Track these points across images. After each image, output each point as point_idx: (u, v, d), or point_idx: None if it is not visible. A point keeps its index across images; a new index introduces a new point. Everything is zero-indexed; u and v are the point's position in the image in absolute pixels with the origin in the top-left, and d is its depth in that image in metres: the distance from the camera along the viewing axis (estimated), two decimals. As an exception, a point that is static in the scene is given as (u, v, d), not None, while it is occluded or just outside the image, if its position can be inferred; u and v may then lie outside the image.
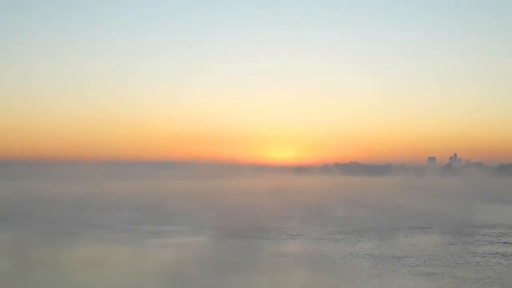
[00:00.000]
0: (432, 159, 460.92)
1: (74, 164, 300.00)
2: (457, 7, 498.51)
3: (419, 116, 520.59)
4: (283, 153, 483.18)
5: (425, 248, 63.64)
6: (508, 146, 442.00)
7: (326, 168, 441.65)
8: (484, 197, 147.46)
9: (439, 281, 47.38)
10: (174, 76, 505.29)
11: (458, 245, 66.22)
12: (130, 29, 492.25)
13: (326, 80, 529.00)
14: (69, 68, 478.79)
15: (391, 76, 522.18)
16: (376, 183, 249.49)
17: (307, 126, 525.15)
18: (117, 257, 57.41)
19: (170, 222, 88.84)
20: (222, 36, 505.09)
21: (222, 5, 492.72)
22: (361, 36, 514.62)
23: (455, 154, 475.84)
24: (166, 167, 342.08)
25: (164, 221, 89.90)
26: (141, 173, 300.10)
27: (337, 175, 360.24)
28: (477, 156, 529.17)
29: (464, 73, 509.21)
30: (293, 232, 78.11)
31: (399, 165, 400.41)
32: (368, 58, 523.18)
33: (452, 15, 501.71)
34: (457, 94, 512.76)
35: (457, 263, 54.81)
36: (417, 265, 53.37)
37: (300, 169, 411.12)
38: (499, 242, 69.88)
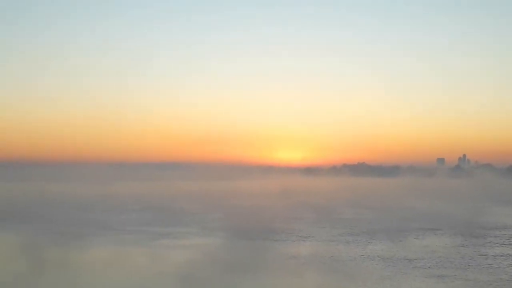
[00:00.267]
0: (441, 160, 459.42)
1: (81, 166, 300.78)
2: (464, 5, 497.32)
3: (427, 116, 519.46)
4: (291, 154, 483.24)
5: (436, 250, 63.04)
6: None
7: (334, 169, 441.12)
8: (494, 199, 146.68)
9: (451, 283, 46.79)
10: (179, 77, 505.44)
11: (469, 247, 65.61)
12: (133, 30, 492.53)
13: (333, 80, 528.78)
14: (72, 69, 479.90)
15: (400, 76, 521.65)
16: (385, 184, 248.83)
17: (315, 127, 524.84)
18: (127, 259, 57.04)
19: (178, 224, 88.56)
20: (227, 36, 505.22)
21: (225, 4, 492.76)
22: (367, 35, 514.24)
23: (464, 155, 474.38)
24: (172, 168, 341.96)
25: (172, 223, 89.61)
26: (148, 174, 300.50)
27: (345, 176, 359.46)
28: (486, 157, 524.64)
29: (474, 73, 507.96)
30: (303, 233, 77.63)
31: (408, 166, 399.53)
32: (375, 58, 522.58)
33: (460, 13, 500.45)
34: (466, 94, 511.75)
35: (468, 265, 54.20)
36: (429, 267, 52.78)
37: (308, 170, 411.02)
38: (510, 244, 69.20)
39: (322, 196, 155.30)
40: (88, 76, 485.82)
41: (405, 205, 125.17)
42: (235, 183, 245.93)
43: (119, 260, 56.12)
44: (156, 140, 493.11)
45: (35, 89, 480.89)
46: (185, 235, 76.19)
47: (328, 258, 58.21)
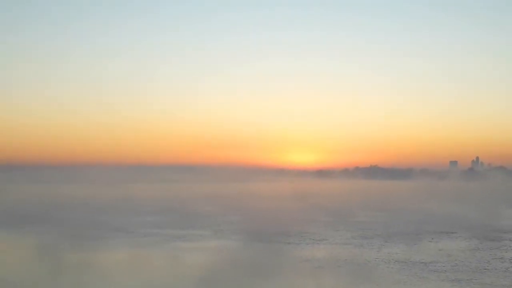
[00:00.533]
0: (454, 163, 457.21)
1: (96, 168, 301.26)
2: (480, 8, 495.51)
3: (440, 119, 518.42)
4: (303, 157, 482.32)
5: (451, 253, 62.76)
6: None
7: (347, 172, 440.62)
8: (508, 201, 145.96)
9: (467, 287, 46.62)
10: (193, 80, 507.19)
11: (484, 250, 65.31)
12: (149, 33, 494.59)
13: (346, 83, 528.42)
14: (87, 73, 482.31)
15: (413, 78, 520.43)
16: (398, 187, 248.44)
17: (327, 130, 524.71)
18: (144, 261, 57.22)
19: (193, 226, 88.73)
20: (240, 38, 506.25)
21: (236, 7, 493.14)
22: (381, 37, 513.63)
23: (477, 158, 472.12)
24: (187, 171, 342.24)
25: (187, 225, 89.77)
26: (163, 177, 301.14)
27: (358, 179, 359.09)
28: (499, 160, 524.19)
29: (487, 76, 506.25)
30: (317, 236, 77.53)
31: (420, 169, 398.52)
32: (389, 60, 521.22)
33: (476, 16, 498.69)
34: (479, 97, 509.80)
35: (485, 269, 53.95)
36: (444, 271, 52.56)
37: (321, 173, 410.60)
38: (527, 247, 68.89)
39: (335, 198, 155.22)
40: (103, 80, 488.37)
41: (419, 208, 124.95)
42: (249, 185, 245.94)
43: (136, 263, 56.37)
44: (170, 143, 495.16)
45: (51, 92, 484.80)
46: (200, 238, 76.34)
47: (342, 261, 58.06)
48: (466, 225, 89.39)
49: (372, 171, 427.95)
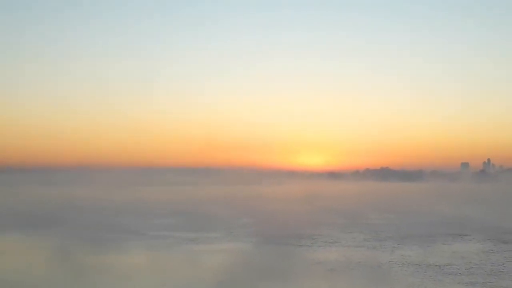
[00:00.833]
0: (465, 164, 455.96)
1: (106, 171, 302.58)
2: (489, 10, 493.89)
3: (451, 121, 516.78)
4: (314, 159, 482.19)
5: (465, 256, 62.22)
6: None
7: (357, 174, 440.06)
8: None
9: (483, 290, 46.28)
10: (204, 83, 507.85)
11: (499, 253, 64.74)
12: (155, 35, 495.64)
13: (357, 85, 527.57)
14: (97, 76, 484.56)
15: (424, 80, 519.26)
16: (409, 189, 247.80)
17: (337, 132, 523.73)
18: (157, 264, 57.23)
19: (205, 229, 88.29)
20: (249, 40, 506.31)
21: (244, 9, 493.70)
22: (392, 40, 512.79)
23: (488, 160, 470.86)
24: (198, 174, 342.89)
25: (199, 228, 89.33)
26: (173, 179, 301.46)
27: (369, 181, 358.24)
28: (511, 161, 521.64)
29: (498, 77, 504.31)
30: (329, 238, 77.11)
31: (431, 171, 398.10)
32: (400, 63, 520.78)
33: (485, 18, 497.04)
34: (490, 98, 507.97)
35: (500, 272, 53.46)
36: (459, 274, 52.10)
37: (331, 175, 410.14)
38: (541, 250, 68.28)
39: (346, 200, 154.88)
40: (110, 82, 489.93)
41: (431, 210, 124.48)
42: (260, 187, 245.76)
43: (149, 265, 56.25)
44: (182, 145, 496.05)
45: (58, 95, 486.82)
46: (212, 240, 76.15)
47: (355, 263, 57.68)
48: (479, 227, 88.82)
49: (383, 173, 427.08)
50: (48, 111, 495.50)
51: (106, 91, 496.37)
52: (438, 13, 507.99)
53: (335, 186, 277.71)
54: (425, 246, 69.76)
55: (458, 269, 54.49)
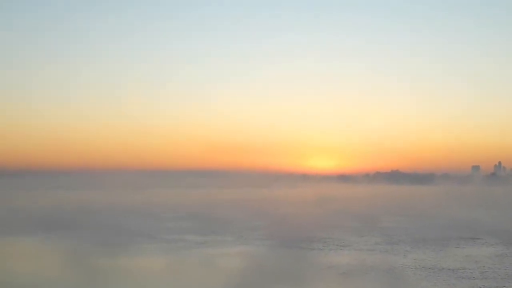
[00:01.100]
0: (476, 167, 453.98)
1: (117, 174, 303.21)
2: (498, 12, 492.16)
3: (462, 124, 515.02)
4: (324, 162, 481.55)
5: (478, 259, 61.80)
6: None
7: (368, 177, 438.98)
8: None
9: (498, 294, 45.98)
10: (215, 86, 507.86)
11: (512, 257, 64.40)
12: (163, 39, 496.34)
13: (367, 88, 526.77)
14: (106, 80, 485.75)
15: (434, 83, 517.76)
16: (420, 192, 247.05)
17: (347, 135, 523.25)
18: (169, 267, 57.28)
19: (216, 232, 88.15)
20: (261, 43, 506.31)
21: (256, 12, 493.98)
22: (401, 43, 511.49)
23: (499, 163, 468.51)
24: (209, 177, 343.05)
25: (210, 231, 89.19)
26: (184, 182, 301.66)
27: (380, 184, 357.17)
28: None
29: (508, 80, 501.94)
30: (341, 242, 76.75)
31: (442, 174, 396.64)
32: (410, 66, 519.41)
33: (494, 21, 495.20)
34: (502, 100, 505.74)
35: (514, 276, 53.14)
36: (473, 278, 51.73)
37: (342, 178, 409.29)
38: (555, 253, 67.79)
39: (358, 204, 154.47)
40: (121, 86, 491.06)
41: (442, 213, 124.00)
42: (272, 191, 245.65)
43: (162, 269, 56.38)
44: (192, 148, 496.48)
45: (72, 100, 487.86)
46: (224, 244, 75.95)
47: (368, 267, 57.34)
48: (491, 231, 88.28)
49: (394, 176, 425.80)
50: (60, 115, 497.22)
51: (116, 95, 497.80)
52: (446, 17, 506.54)
53: (345, 189, 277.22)
54: (437, 249, 69.37)
55: (472, 273, 54.11)
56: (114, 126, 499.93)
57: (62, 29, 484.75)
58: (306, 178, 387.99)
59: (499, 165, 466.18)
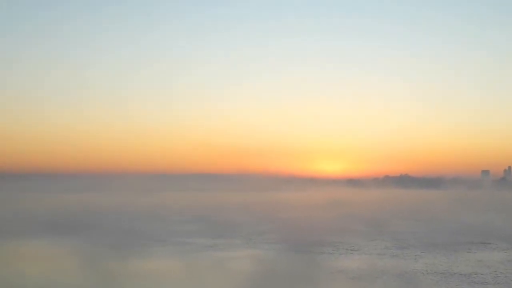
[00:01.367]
0: (485, 172, 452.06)
1: (125, 177, 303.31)
2: (505, 17, 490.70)
3: (471, 128, 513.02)
4: (333, 166, 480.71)
5: (490, 264, 61.14)
6: None
7: (376, 181, 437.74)
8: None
9: (510, 300, 45.34)
10: (222, 90, 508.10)
11: (524, 262, 63.65)
12: (173, 42, 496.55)
13: (375, 92, 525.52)
14: (114, 83, 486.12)
15: (443, 87, 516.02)
16: (429, 197, 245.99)
17: (356, 139, 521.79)
18: (178, 271, 56.97)
19: (224, 235, 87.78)
20: (268, 47, 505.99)
21: (264, 16, 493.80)
22: (410, 48, 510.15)
23: (509, 167, 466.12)
24: (217, 180, 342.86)
25: (218, 234, 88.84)
26: (193, 185, 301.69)
27: (388, 188, 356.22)
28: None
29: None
30: (351, 246, 76.20)
31: (452, 178, 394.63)
32: (419, 70, 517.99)
33: (501, 23, 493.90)
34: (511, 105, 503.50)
35: (527, 281, 52.46)
36: (486, 283, 51.10)
37: (350, 182, 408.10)
38: None
39: (367, 207, 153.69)
40: (129, 89, 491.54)
41: (452, 217, 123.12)
42: (280, 194, 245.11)
43: (172, 272, 56.06)
44: (201, 152, 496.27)
45: (79, 103, 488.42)
46: (232, 247, 75.57)
47: (379, 272, 56.78)
48: (502, 235, 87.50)
49: (403, 180, 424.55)
50: (67, 118, 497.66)
51: (125, 98, 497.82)
52: (453, 21, 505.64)
53: (354, 193, 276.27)
54: (448, 254, 68.68)
55: (484, 278, 53.47)
56: (121, 129, 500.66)
57: (66, 32, 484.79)
58: (314, 181, 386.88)
59: (509, 170, 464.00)
